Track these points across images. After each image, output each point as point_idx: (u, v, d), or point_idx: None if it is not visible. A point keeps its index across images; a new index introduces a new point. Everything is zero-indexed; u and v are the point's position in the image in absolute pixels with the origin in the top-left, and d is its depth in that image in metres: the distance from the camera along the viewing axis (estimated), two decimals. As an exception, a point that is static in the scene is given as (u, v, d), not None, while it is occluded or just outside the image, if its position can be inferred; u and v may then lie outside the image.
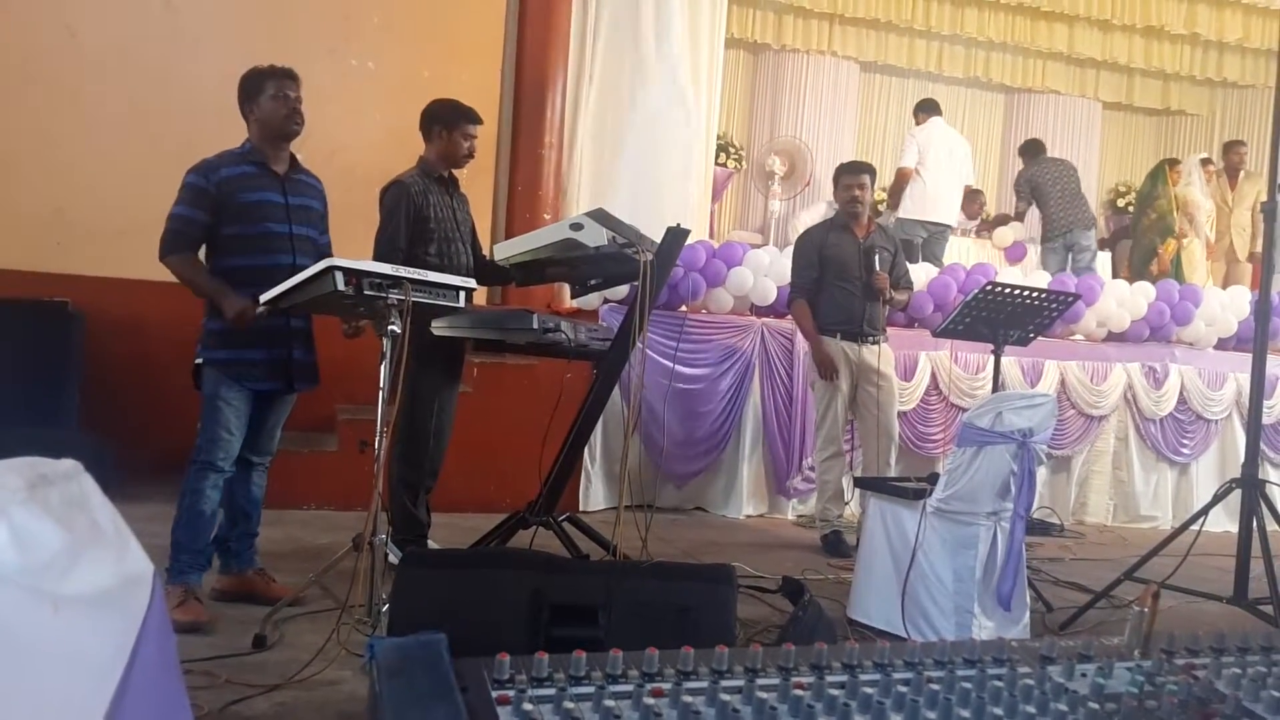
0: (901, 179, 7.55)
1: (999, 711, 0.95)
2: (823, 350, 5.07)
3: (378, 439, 3.11)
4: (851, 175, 5.14)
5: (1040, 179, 7.88)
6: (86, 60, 5.65)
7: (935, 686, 0.98)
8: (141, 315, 5.40)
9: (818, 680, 0.97)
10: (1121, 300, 6.71)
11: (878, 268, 4.98)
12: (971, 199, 9.37)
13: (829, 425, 5.12)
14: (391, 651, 0.88)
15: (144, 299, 5.23)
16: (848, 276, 5.05)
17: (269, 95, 3.40)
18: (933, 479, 3.71)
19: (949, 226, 7.64)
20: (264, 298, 3.08)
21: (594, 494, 5.61)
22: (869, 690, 0.96)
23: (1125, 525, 6.53)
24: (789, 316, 6.08)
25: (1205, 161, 8.80)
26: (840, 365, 5.05)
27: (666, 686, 0.92)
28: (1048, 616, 3.93)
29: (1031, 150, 8.13)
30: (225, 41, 5.57)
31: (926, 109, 7.76)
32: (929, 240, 7.49)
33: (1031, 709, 0.96)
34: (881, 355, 5.08)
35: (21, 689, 0.49)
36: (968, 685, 1.00)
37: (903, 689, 0.98)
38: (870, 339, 5.06)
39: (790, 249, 6.38)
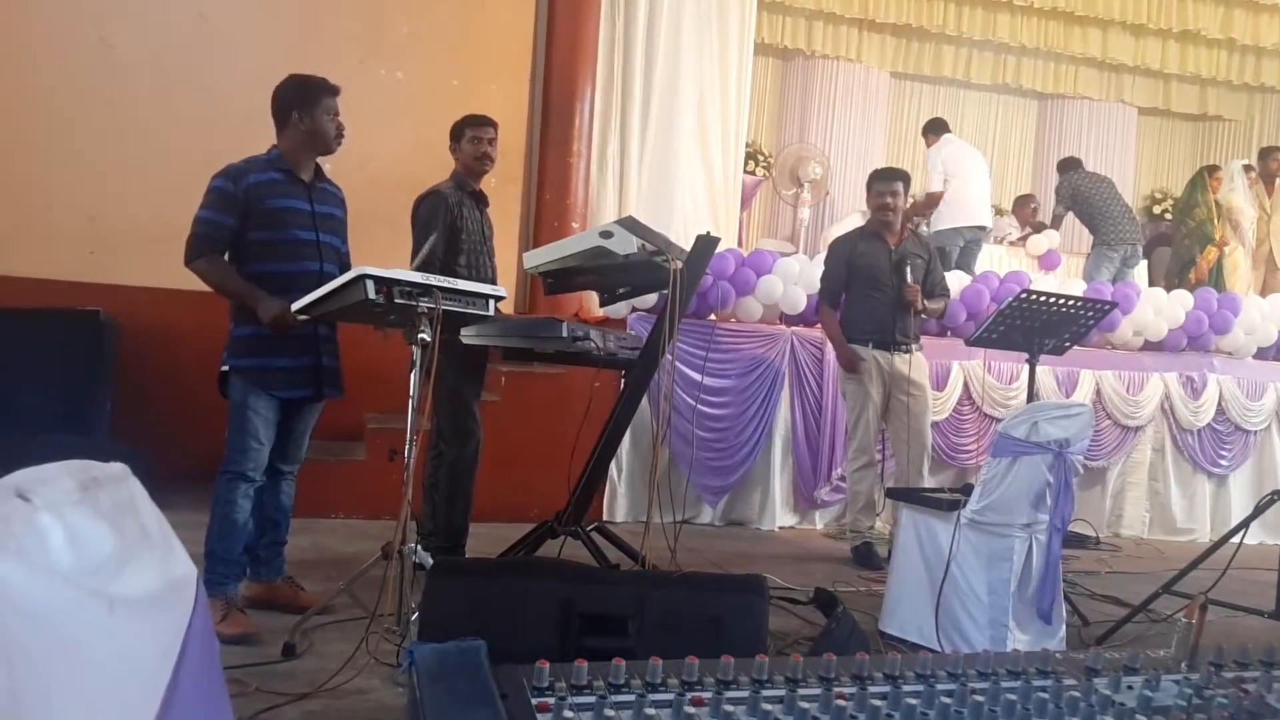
0: (933, 201, 7.57)
1: (1047, 725, 0.93)
2: (847, 348, 5.02)
3: (407, 447, 3.11)
4: (884, 182, 5.09)
5: (1085, 192, 7.85)
6: (120, 70, 5.73)
7: (979, 698, 0.96)
8: (173, 324, 5.45)
9: (860, 691, 0.95)
10: (1159, 308, 6.61)
11: (909, 278, 4.92)
12: (1024, 204, 9.33)
13: (861, 434, 5.07)
14: (432, 657, 0.87)
15: (175, 307, 5.28)
16: (878, 285, 5.00)
17: (323, 110, 3.41)
18: (967, 490, 3.66)
19: (985, 228, 7.63)
20: (296, 306, 3.08)
21: (620, 505, 5.59)
22: (912, 701, 0.94)
23: (1162, 538, 6.42)
24: (819, 325, 6.05)
25: (1247, 168, 8.68)
26: (872, 374, 5.00)
27: (706, 695, 0.90)
28: (1084, 631, 3.87)
29: (1068, 165, 8.16)
30: (257, 51, 5.62)
31: (935, 129, 7.80)
32: (966, 247, 7.47)
33: (1079, 722, 0.93)
34: (914, 364, 5.03)
35: (77, 687, 0.48)
36: (1012, 697, 0.97)
37: (946, 700, 0.95)
38: (903, 348, 5.01)
39: (820, 257, 6.37)
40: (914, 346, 5.05)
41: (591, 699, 0.88)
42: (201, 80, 5.74)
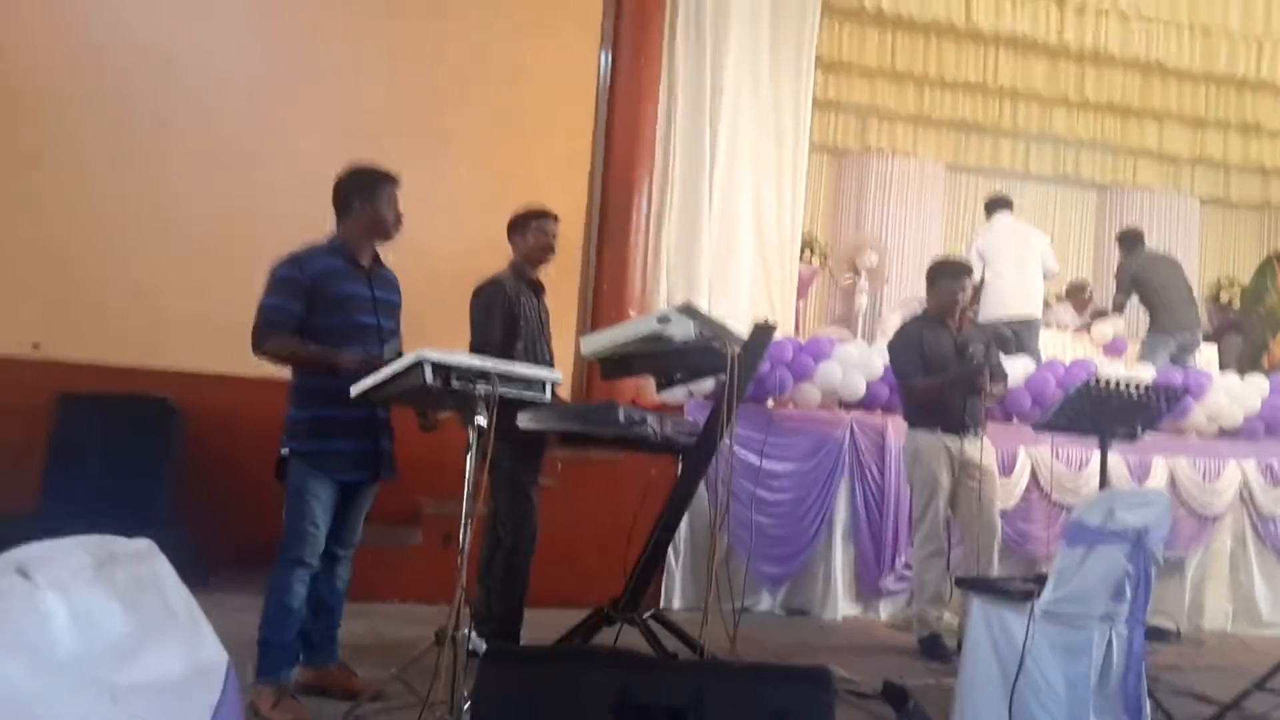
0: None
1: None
2: (957, 375, 4.85)
3: (461, 532, 3.07)
4: (953, 279, 5.06)
5: (1146, 275, 7.60)
6: (177, 152, 5.90)
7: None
8: (235, 410, 5.52)
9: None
10: (1233, 394, 6.41)
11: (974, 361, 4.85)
12: (1077, 293, 9.14)
13: (929, 522, 4.91)
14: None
15: (239, 394, 5.36)
16: (945, 371, 4.92)
17: (384, 198, 3.50)
18: (1040, 580, 3.51)
19: (1034, 319, 7.35)
20: (355, 390, 3.10)
21: (677, 593, 5.46)
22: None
23: (1246, 632, 6.10)
24: (879, 411, 5.96)
25: (1318, 254, 8.48)
26: (940, 459, 4.88)
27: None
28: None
29: (1129, 241, 7.83)
30: (316, 141, 5.74)
31: (990, 208, 7.61)
32: (1016, 338, 7.27)
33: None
34: (982, 449, 4.91)
35: None
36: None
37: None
38: (972, 432, 4.90)
39: (880, 343, 6.30)
40: (980, 430, 4.94)
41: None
42: (261, 170, 5.89)
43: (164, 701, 0.54)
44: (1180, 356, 7.42)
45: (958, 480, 4.91)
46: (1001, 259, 7.21)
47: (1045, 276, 7.45)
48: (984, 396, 4.88)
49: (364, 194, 3.50)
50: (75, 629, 0.50)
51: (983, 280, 7.15)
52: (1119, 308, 8.00)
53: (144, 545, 0.65)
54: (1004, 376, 5.22)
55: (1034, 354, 6.93)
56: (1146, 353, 7.53)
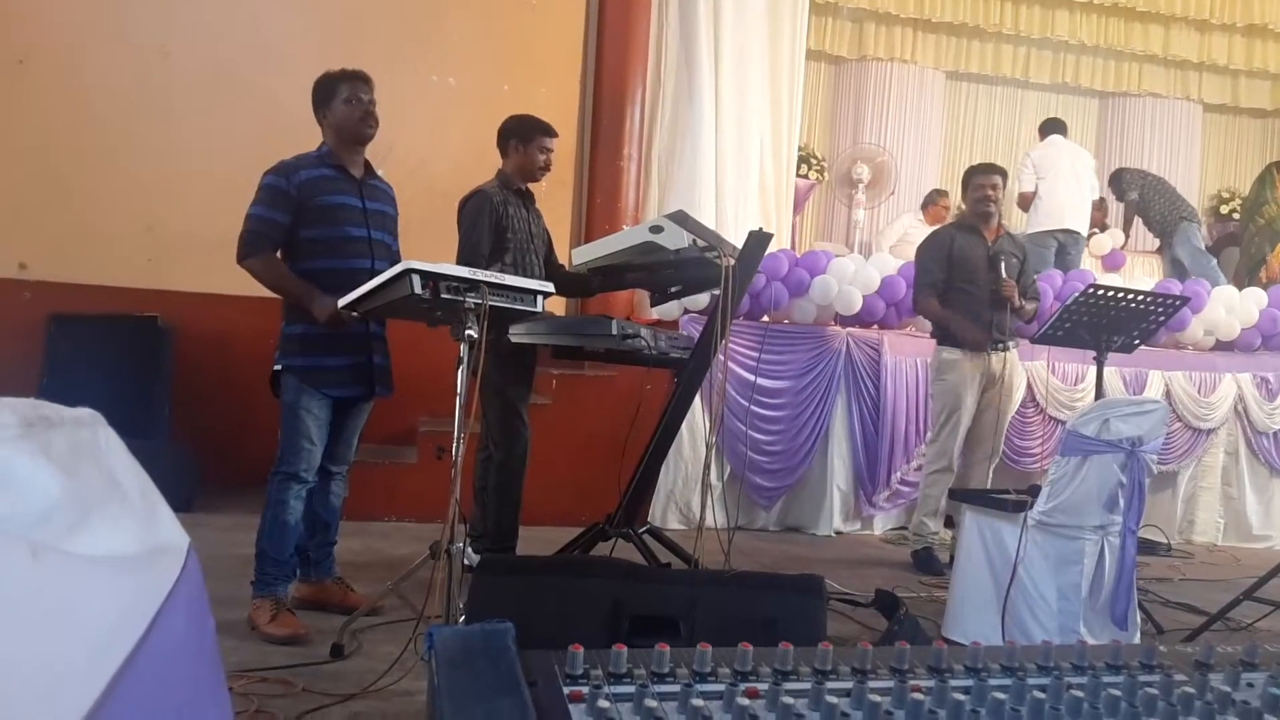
0: (1023, 203, 7.51)
1: (1155, 723, 0.81)
2: (971, 326, 4.76)
3: (454, 445, 3.04)
4: (984, 175, 4.93)
5: (1154, 182, 7.88)
6: (177, 79, 5.79)
7: (1078, 693, 0.85)
8: (228, 329, 5.47)
9: (939, 684, 0.84)
10: (1231, 307, 6.35)
11: (1004, 274, 4.74)
12: (1095, 208, 9.07)
13: (944, 439, 4.87)
14: (453, 640, 0.79)
15: (231, 313, 5.31)
16: (975, 280, 4.82)
17: (341, 99, 3.39)
18: (1034, 491, 3.51)
19: (1080, 234, 7.41)
20: (342, 302, 3.04)
21: (673, 512, 5.47)
22: (1000, 696, 0.83)
23: (1236, 545, 6.16)
24: (875, 326, 5.91)
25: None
26: (966, 377, 4.81)
27: (763, 687, 0.80)
28: (1159, 639, 3.68)
29: (1123, 173, 8.08)
30: (310, 58, 5.62)
31: (1046, 128, 7.72)
32: (1061, 250, 7.27)
33: (1195, 721, 0.81)
34: (1009, 363, 4.87)
35: None
36: (1116, 693, 0.86)
37: (1039, 695, 0.84)
38: (999, 346, 4.84)
39: (877, 257, 6.22)
40: (1010, 344, 4.88)
41: (631, 688, 0.79)
42: (256, 88, 5.78)
43: (108, 576, 0.49)
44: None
45: (980, 396, 4.87)
46: (1056, 173, 7.34)
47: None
48: (1011, 312, 4.78)
49: (324, 100, 3.41)
50: None
51: (1036, 191, 7.33)
52: (1131, 207, 8.15)
53: (86, 413, 0.59)
54: (1037, 296, 5.12)
55: (1076, 267, 7.01)
56: (1183, 243, 7.68)
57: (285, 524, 3.33)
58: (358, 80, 3.41)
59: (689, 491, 5.44)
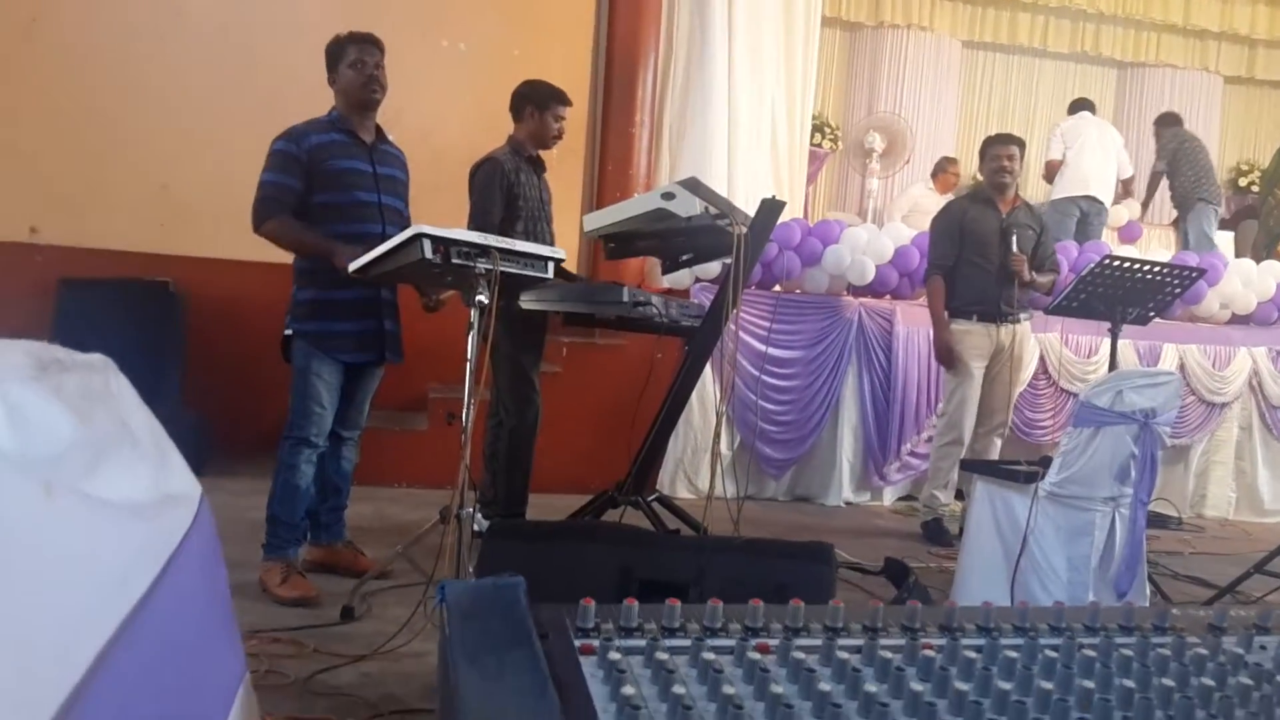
0: (1049, 171, 7.60)
1: (1168, 682, 0.80)
2: (946, 335, 4.80)
3: (465, 411, 3.05)
4: (1001, 145, 4.88)
5: (1191, 147, 7.79)
6: (192, 42, 5.76)
7: (1091, 653, 0.84)
8: (240, 294, 5.48)
9: (951, 642, 0.84)
10: (1247, 280, 6.29)
11: (1015, 248, 4.70)
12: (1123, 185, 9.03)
13: (954, 411, 4.86)
14: (464, 594, 0.79)
15: (242, 278, 5.31)
16: (986, 254, 4.77)
17: (348, 63, 3.38)
18: (1045, 462, 3.50)
19: (1104, 204, 7.45)
20: (352, 266, 3.03)
21: (682, 481, 5.47)
22: (1012, 655, 0.82)
23: (1248, 520, 6.13)
24: (887, 297, 5.88)
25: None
26: (975, 351, 4.80)
27: (774, 642, 0.80)
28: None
29: (1171, 122, 7.98)
30: (321, 21, 5.59)
31: (1075, 106, 7.81)
32: (1084, 219, 7.27)
33: (1209, 681, 0.81)
34: (1018, 335, 4.84)
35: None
36: (1128, 653, 0.85)
37: (1052, 654, 0.84)
38: (1008, 319, 4.81)
39: (890, 226, 6.17)
40: (1022, 316, 4.85)
41: (642, 642, 0.79)
42: (268, 51, 5.74)
43: (122, 521, 0.49)
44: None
45: (990, 367, 4.85)
46: (1084, 143, 7.45)
47: (1118, 176, 7.70)
48: (1021, 286, 4.74)
49: (333, 63, 3.41)
50: (10, 428, 0.44)
51: (1063, 160, 7.44)
52: (1155, 179, 8.10)
53: (98, 358, 0.59)
54: (1055, 268, 5.08)
55: (1098, 238, 7.05)
56: (1193, 222, 7.65)
57: (296, 488, 3.35)
58: (365, 43, 3.39)
59: (698, 460, 5.44)
